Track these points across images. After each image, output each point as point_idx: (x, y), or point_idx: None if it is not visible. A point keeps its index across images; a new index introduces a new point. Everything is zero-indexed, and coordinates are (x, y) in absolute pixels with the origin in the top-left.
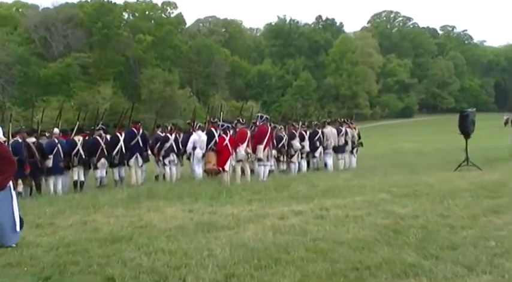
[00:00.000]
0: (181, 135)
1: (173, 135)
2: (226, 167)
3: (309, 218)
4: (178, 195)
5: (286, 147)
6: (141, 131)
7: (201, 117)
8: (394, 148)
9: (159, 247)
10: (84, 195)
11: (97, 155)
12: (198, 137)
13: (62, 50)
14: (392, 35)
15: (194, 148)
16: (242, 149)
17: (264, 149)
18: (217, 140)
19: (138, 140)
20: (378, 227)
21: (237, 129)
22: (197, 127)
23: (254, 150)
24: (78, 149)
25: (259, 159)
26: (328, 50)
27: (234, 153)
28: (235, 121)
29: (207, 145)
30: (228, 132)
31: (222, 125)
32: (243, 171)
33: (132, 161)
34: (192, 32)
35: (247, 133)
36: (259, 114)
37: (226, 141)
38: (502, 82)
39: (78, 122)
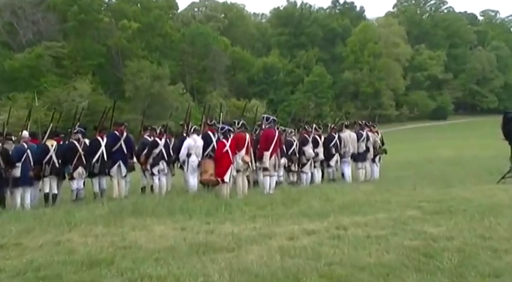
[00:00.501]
0: (173, 139)
1: (163, 139)
2: (226, 178)
3: (323, 239)
4: (168, 211)
5: (297, 155)
6: (125, 134)
7: (196, 118)
8: (424, 156)
9: (146, 272)
10: (57, 210)
11: (73, 162)
12: (193, 142)
13: (31, 38)
14: (423, 21)
15: (188, 155)
16: (239, 158)
17: (271, 156)
18: (216, 145)
19: (121, 145)
20: (405, 249)
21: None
22: (192, 130)
23: (260, 158)
24: (51, 156)
25: (265, 169)
26: (346, 40)
27: (235, 162)
28: (234, 124)
29: (203, 151)
30: (228, 136)
31: (222, 128)
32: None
33: (114, 170)
34: (185, 17)
35: (245, 138)
36: (265, 116)
37: (227, 147)
38: None
39: (51, 124)
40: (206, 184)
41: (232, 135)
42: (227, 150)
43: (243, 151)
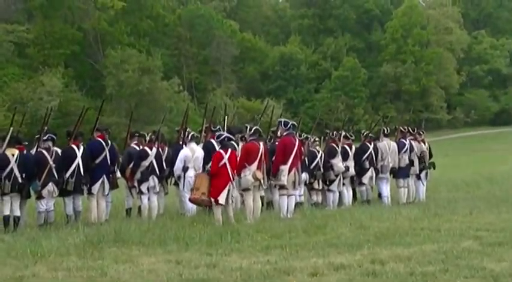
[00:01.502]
0: (166, 149)
1: (154, 149)
2: (222, 200)
3: (354, 275)
4: (160, 239)
5: (322, 169)
6: (109, 143)
7: (195, 122)
8: (484, 172)
9: None
10: (20, 237)
11: (42, 177)
12: (191, 153)
13: None
14: (484, 1)
15: (185, 169)
16: (249, 173)
17: (289, 171)
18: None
19: (105, 157)
20: None
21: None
22: (189, 137)
23: (276, 173)
24: (12, 169)
25: (282, 187)
26: (385, 24)
27: (238, 178)
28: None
29: (204, 164)
30: (229, 146)
31: (219, 136)
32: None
33: (96, 187)
34: None
35: (258, 148)
36: (282, 120)
37: (225, 160)
38: None
39: (11, 128)
40: (197, 204)
41: (241, 145)
42: (225, 163)
43: (255, 165)
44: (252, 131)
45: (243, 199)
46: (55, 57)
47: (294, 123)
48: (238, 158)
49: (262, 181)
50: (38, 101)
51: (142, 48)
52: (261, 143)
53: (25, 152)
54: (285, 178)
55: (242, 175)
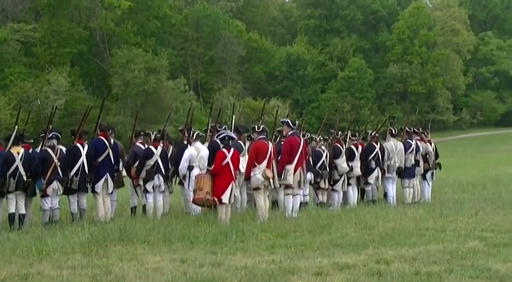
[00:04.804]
0: (171, 148)
1: (159, 148)
2: (225, 199)
3: (359, 275)
4: (165, 238)
5: (327, 169)
6: (112, 141)
7: (200, 121)
8: (490, 173)
9: None
10: (25, 235)
11: (47, 176)
12: (196, 152)
13: None
14: (491, 2)
15: (190, 168)
16: (259, 172)
17: (295, 170)
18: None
19: (108, 155)
20: None
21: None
22: (194, 136)
23: (279, 173)
24: (17, 167)
25: (287, 186)
26: (392, 25)
27: (243, 178)
28: (253, 129)
29: (209, 164)
30: (231, 145)
31: (220, 135)
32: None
33: (99, 185)
34: None
35: (267, 147)
36: (287, 120)
37: (228, 159)
38: None
39: (16, 126)
40: (201, 205)
41: (247, 144)
42: (228, 162)
43: (264, 164)
44: (260, 130)
45: (254, 199)
46: (61, 56)
47: (299, 123)
48: (247, 157)
49: (271, 180)
50: (44, 100)
51: (148, 48)
52: (270, 142)
53: (30, 150)
54: (290, 177)
55: (252, 174)
